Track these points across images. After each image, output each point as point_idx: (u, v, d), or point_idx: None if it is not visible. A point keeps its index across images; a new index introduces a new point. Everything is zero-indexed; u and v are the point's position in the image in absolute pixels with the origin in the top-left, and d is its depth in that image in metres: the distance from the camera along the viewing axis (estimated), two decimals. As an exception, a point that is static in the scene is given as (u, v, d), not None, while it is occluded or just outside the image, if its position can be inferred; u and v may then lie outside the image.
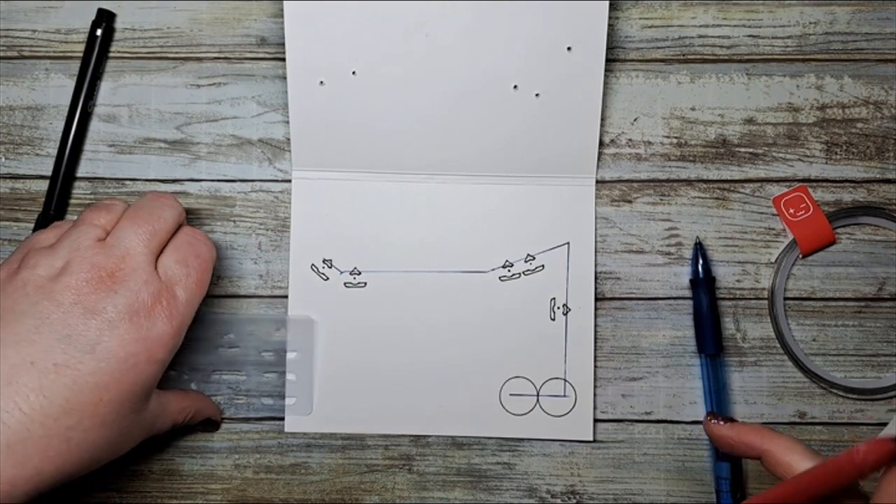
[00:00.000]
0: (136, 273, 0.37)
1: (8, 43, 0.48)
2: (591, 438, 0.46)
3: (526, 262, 0.47)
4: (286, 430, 0.46)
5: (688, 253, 0.47)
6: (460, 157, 0.46)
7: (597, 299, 0.47)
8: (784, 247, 0.47)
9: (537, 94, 0.46)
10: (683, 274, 0.47)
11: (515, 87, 0.46)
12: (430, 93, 0.46)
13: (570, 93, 0.46)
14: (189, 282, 0.38)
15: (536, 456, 0.46)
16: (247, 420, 0.46)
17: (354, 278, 0.46)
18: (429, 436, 0.46)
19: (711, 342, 0.46)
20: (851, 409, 0.46)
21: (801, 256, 0.47)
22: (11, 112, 0.47)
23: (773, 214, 0.47)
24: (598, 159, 0.47)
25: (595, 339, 0.46)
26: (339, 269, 0.46)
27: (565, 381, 0.46)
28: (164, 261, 0.38)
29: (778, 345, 0.46)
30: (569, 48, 0.45)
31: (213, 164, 0.47)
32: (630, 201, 0.47)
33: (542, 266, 0.46)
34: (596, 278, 0.47)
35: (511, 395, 0.46)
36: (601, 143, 0.47)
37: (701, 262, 0.46)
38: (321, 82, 0.45)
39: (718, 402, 0.45)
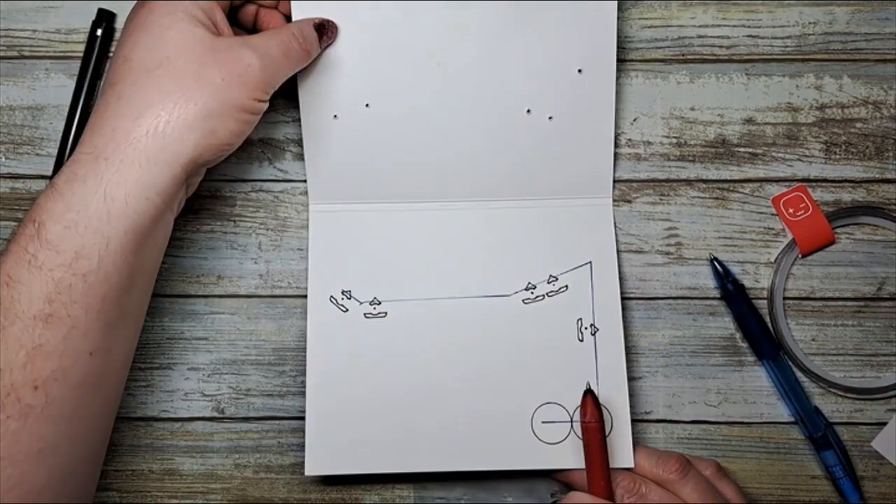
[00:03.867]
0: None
1: (8, 43, 0.48)
2: (631, 465, 0.43)
3: (549, 283, 0.46)
4: (307, 472, 0.44)
5: (687, 253, 0.47)
6: (477, 183, 0.46)
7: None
8: (783, 246, 0.47)
9: (550, 118, 0.45)
10: (683, 274, 0.47)
11: (529, 111, 0.45)
12: (443, 121, 0.45)
13: (583, 114, 0.45)
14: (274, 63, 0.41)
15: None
16: (247, 420, 0.46)
17: (374, 308, 0.45)
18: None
19: (769, 346, 0.46)
20: (851, 408, 0.46)
21: (800, 256, 0.47)
22: (12, 112, 0.47)
23: (773, 214, 0.47)
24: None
25: (626, 359, 0.45)
26: (358, 300, 0.45)
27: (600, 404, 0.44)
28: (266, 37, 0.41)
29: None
30: (579, 70, 0.45)
31: (213, 163, 0.47)
32: (630, 201, 0.47)
33: (566, 287, 0.45)
34: (622, 296, 0.46)
35: (543, 422, 0.44)
36: (601, 143, 0.47)
37: (724, 274, 0.46)
38: (335, 116, 0.45)
39: (797, 399, 0.45)
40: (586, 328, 0.45)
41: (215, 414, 0.47)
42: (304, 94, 0.45)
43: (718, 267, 0.46)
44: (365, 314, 0.45)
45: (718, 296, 0.47)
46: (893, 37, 0.48)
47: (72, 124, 0.47)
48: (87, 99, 0.47)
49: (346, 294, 0.45)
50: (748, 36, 0.48)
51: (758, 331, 0.46)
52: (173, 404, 0.47)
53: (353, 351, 0.45)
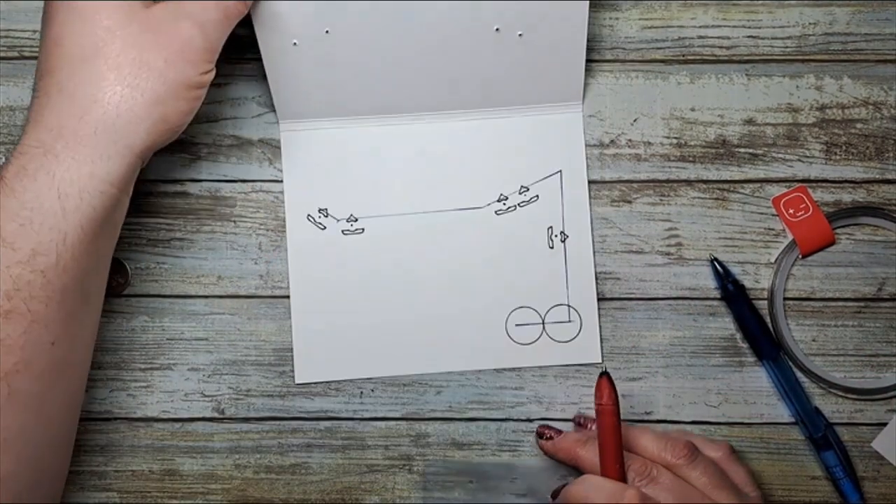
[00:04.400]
0: None
1: (8, 43, 0.48)
2: (599, 360, 0.46)
3: (520, 193, 0.47)
4: (297, 381, 0.46)
5: (688, 254, 0.47)
6: (446, 95, 0.46)
7: (599, 299, 0.47)
8: (784, 247, 0.47)
9: (520, 35, 0.45)
10: (683, 274, 0.47)
11: (497, 30, 0.45)
12: (407, 43, 0.44)
13: (554, 30, 0.45)
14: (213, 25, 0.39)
15: (536, 456, 0.46)
16: (247, 420, 0.46)
17: (352, 225, 0.47)
18: (429, 435, 0.46)
19: (769, 346, 0.46)
20: (851, 409, 0.46)
21: (800, 257, 0.47)
22: (12, 112, 0.47)
23: (773, 215, 0.47)
24: (598, 159, 0.47)
25: (595, 264, 0.47)
26: (335, 218, 0.47)
27: (569, 306, 0.46)
28: None
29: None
30: None
31: (213, 164, 0.47)
32: (630, 202, 0.47)
33: (537, 196, 0.47)
34: (591, 205, 0.47)
35: (517, 325, 0.46)
36: (601, 144, 0.47)
37: (725, 275, 0.46)
38: (294, 43, 0.44)
39: (797, 399, 0.45)
40: (556, 236, 0.47)
41: (215, 414, 0.47)
42: (260, 22, 0.43)
43: (719, 267, 0.46)
44: (343, 231, 0.47)
45: (719, 296, 0.47)
46: (894, 37, 0.48)
47: (72, 125, 0.47)
48: (87, 99, 0.47)
49: (323, 212, 0.46)
50: (748, 36, 0.48)
51: (758, 331, 0.46)
52: (173, 405, 0.46)
53: (334, 267, 0.46)
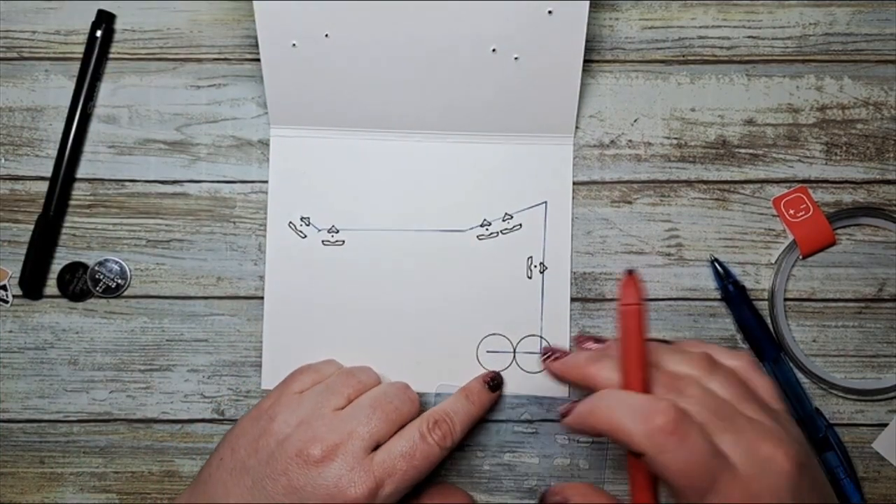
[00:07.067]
0: (346, 457, 0.39)
1: (8, 44, 0.48)
2: (566, 395, 0.46)
3: (504, 220, 0.47)
4: (262, 386, 0.46)
5: (688, 254, 0.47)
6: (439, 115, 0.46)
7: (596, 300, 0.47)
8: (784, 248, 0.47)
9: (516, 58, 0.45)
10: (684, 275, 0.47)
11: (494, 50, 0.45)
12: (405, 55, 0.45)
13: (550, 56, 0.45)
14: (401, 477, 0.39)
15: (536, 457, 0.46)
16: (247, 421, 0.46)
17: (332, 236, 0.47)
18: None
19: (770, 347, 0.46)
20: (851, 409, 0.46)
21: (801, 257, 0.47)
22: (11, 113, 0.47)
23: (774, 215, 0.47)
24: (598, 159, 0.47)
25: (571, 298, 0.47)
26: (316, 227, 0.47)
27: (541, 338, 0.46)
28: (389, 449, 0.40)
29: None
30: (549, 12, 0.44)
31: (212, 165, 0.47)
32: (630, 202, 0.47)
33: (520, 225, 0.47)
34: (573, 237, 0.47)
35: (488, 351, 0.46)
36: (601, 144, 0.47)
37: (725, 275, 0.46)
38: (293, 44, 0.45)
39: (798, 400, 0.45)
40: (535, 266, 0.47)
41: (215, 416, 0.46)
42: (262, 21, 0.44)
43: (719, 268, 0.46)
44: (323, 241, 0.47)
45: (719, 297, 0.47)
46: (894, 38, 0.48)
47: (71, 126, 0.47)
48: (86, 100, 0.47)
49: (305, 220, 0.47)
50: (749, 37, 0.48)
51: (758, 332, 0.46)
52: (173, 406, 0.46)
53: (310, 277, 0.46)
